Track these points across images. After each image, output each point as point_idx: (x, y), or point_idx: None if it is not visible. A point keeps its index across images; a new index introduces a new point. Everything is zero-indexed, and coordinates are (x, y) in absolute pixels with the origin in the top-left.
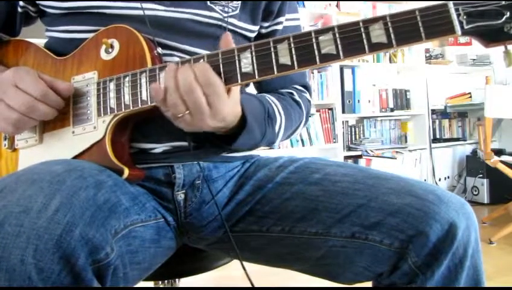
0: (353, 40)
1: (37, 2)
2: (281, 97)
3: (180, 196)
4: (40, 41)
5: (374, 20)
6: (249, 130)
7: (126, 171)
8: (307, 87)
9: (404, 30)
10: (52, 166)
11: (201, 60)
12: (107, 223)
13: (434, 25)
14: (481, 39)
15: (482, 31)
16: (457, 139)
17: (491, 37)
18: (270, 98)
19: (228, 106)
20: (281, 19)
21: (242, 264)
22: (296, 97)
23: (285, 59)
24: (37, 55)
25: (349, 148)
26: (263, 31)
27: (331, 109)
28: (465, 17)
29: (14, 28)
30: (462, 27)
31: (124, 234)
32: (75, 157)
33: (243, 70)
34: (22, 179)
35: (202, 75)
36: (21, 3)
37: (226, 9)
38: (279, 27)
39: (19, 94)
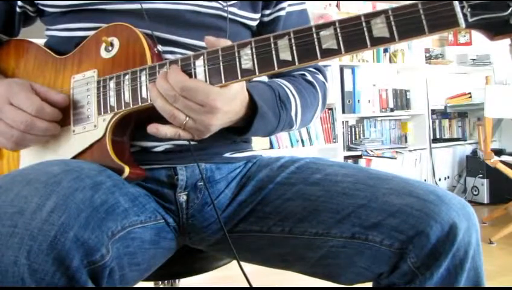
0: (355, 34)
1: (36, 1)
2: (292, 79)
3: (183, 197)
4: (40, 41)
5: (376, 14)
6: (262, 114)
7: (127, 170)
8: (319, 70)
9: (407, 23)
10: (49, 167)
11: (174, 65)
12: (103, 224)
13: (437, 18)
14: (486, 32)
15: (486, 24)
16: (457, 139)
17: (496, 29)
18: (281, 81)
19: (222, 97)
20: (283, 4)
21: (240, 266)
22: (309, 78)
23: (285, 55)
24: (38, 55)
25: (349, 148)
26: (265, 19)
27: (331, 109)
28: (469, 9)
29: (13, 28)
30: (466, 20)
31: (121, 235)
32: (76, 156)
33: (243, 66)
34: (17, 179)
35: (176, 85)
36: (19, 3)
37: None
38: (282, 13)
39: (16, 112)
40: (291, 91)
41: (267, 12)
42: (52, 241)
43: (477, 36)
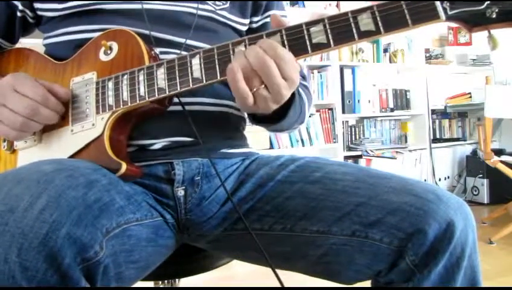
0: (343, 29)
1: (35, 5)
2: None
3: (180, 192)
4: (40, 41)
5: (362, 10)
6: (295, 105)
7: (124, 166)
8: (304, 77)
9: (391, 18)
10: (42, 165)
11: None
12: (96, 222)
13: (419, 11)
14: (465, 24)
15: (465, 17)
16: (457, 139)
17: (474, 22)
18: None
19: (297, 73)
20: (270, 12)
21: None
22: (304, 82)
23: None
24: (37, 62)
25: (349, 148)
26: (254, 25)
27: (331, 109)
28: (448, 3)
29: (14, 34)
30: (446, 13)
31: (117, 233)
32: (74, 155)
33: None
34: (9, 178)
35: (270, 49)
36: (20, 7)
37: (217, 2)
38: (269, 20)
39: (20, 98)
40: (301, 92)
41: (256, 19)
42: (44, 239)
43: (477, 36)
